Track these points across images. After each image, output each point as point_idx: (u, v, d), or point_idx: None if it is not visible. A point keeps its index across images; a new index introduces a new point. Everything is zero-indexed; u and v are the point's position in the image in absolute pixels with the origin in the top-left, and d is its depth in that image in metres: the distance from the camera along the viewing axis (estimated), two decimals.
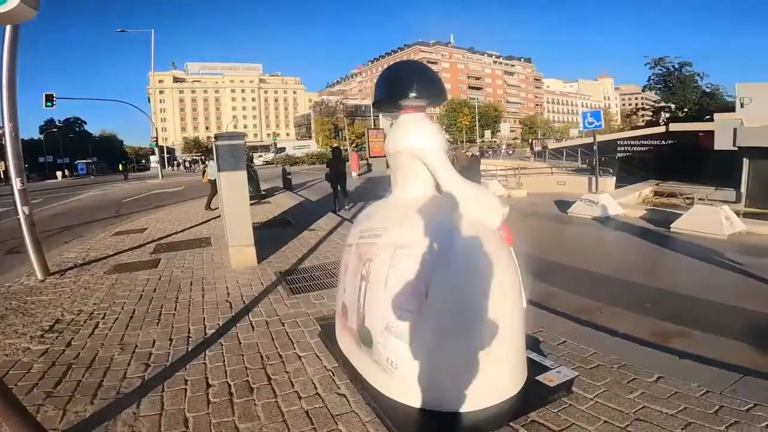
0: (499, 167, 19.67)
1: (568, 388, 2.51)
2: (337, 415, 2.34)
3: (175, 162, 53.91)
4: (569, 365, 2.80)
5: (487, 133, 57.88)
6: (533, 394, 2.36)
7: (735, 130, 11.93)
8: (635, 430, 2.19)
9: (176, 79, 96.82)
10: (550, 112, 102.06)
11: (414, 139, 2.47)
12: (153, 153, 49.98)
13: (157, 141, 32.03)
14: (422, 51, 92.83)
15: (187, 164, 50.03)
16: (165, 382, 2.75)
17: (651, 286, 5.39)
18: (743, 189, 12.83)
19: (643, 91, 42.93)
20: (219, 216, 10.11)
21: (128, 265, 5.95)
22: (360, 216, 2.85)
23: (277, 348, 3.20)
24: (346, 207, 11.19)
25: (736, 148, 12.27)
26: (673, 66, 32.38)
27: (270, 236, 7.35)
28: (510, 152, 38.37)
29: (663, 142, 21.54)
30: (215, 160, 6.54)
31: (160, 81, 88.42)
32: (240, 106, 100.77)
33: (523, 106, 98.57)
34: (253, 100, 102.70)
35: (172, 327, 3.68)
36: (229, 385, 2.69)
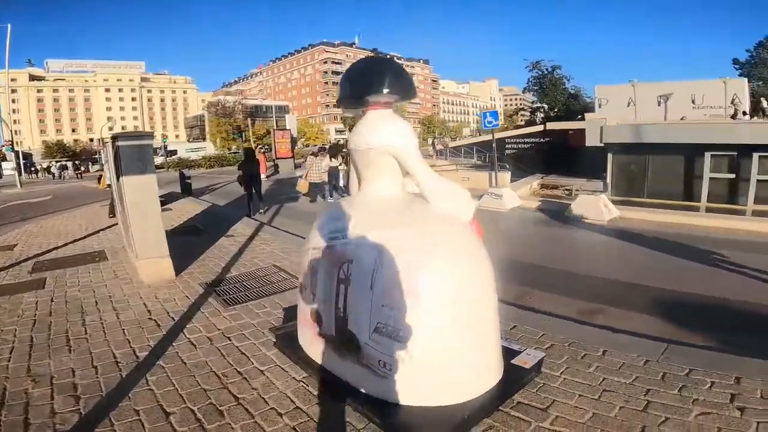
0: None
1: (539, 369, 2.65)
2: (329, 427, 2.15)
3: (33, 168, 45.87)
4: (531, 347, 2.95)
5: None
6: (512, 378, 2.45)
7: (602, 128, 13.89)
8: (608, 399, 2.39)
9: (33, 78, 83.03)
10: (446, 112, 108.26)
11: (388, 136, 2.40)
12: (4, 159, 42.06)
13: (12, 145, 26.96)
14: (327, 51, 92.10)
15: (54, 170, 42.95)
16: (110, 415, 2.31)
17: (561, 270, 5.99)
18: (609, 180, 15.02)
19: (523, 92, 47.85)
20: (111, 226, 8.88)
21: (4, 288, 4.87)
22: (323, 217, 2.67)
23: (232, 364, 2.87)
24: (262, 210, 10.59)
25: (603, 145, 14.30)
26: (547, 69, 36.72)
27: (181, 246, 6.60)
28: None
29: (541, 140, 24.34)
30: (113, 163, 5.67)
31: (13, 80, 74.80)
32: (117, 106, 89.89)
33: (422, 107, 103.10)
34: (134, 100, 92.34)
35: (91, 353, 3.11)
36: (193, 411, 2.35)
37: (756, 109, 20.59)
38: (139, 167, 4.96)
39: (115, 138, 5.19)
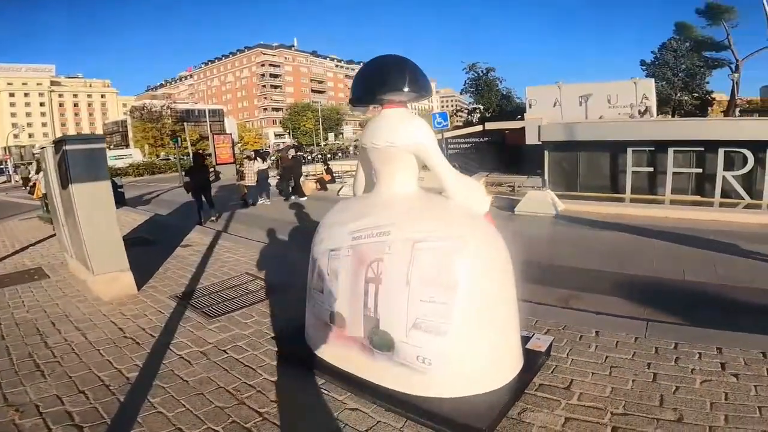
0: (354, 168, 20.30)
1: (549, 352, 2.76)
2: (367, 431, 2.08)
3: None
4: (537, 333, 3.07)
5: (331, 136, 59.07)
6: (530, 362, 2.54)
7: (539, 127, 14.84)
8: (619, 374, 2.56)
9: None
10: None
11: (412, 134, 2.41)
12: None
13: None
14: (264, 54, 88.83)
15: None
16: None
17: (531, 261, 6.28)
18: (546, 176, 16.06)
19: (461, 93, 49.41)
20: (40, 241, 7.96)
21: None
22: (336, 218, 2.59)
23: (239, 378, 2.69)
24: (213, 218, 10.01)
25: (541, 143, 15.27)
26: (482, 71, 38.42)
27: (133, 258, 6.00)
28: (357, 153, 39.96)
29: (481, 139, 25.45)
30: (55, 170, 5.08)
31: None
32: (23, 112, 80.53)
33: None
34: (42, 105, 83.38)
35: (70, 377, 2.78)
36: None
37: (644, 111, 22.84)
38: (92, 173, 4.49)
39: (60, 142, 4.65)
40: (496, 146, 24.07)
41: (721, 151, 12.41)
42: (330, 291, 2.43)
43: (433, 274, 2.10)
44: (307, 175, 19.08)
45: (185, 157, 30.90)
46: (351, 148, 46.69)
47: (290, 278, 4.84)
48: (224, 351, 3.09)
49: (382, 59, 2.55)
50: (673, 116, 32.27)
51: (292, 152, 16.24)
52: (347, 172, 19.15)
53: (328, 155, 32.20)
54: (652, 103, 25.27)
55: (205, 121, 63.54)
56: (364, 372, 2.32)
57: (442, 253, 2.11)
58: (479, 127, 25.06)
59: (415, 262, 2.12)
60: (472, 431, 1.96)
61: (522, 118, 23.99)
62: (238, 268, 5.38)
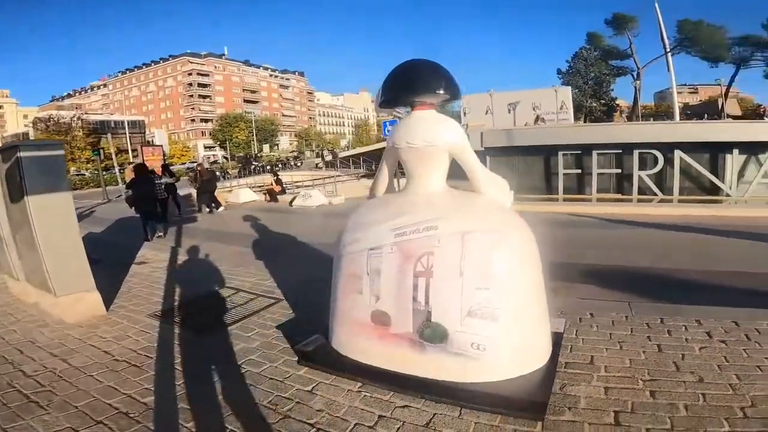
0: (307, 178, 20.02)
1: (562, 333, 2.96)
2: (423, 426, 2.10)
3: None
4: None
5: (266, 148, 57.37)
6: (554, 342, 2.69)
7: (481, 134, 15.66)
8: (629, 348, 2.83)
9: None
10: (322, 124, 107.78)
11: (452, 134, 2.54)
12: None
13: None
14: (191, 62, 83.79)
15: None
16: None
17: None
18: None
19: None
20: None
21: None
22: (369, 217, 2.60)
23: (271, 391, 2.56)
24: (161, 234, 9.32)
25: (483, 149, 16.12)
26: None
27: None
28: (299, 164, 39.19)
29: None
30: (4, 180, 4.47)
31: None
32: None
33: (299, 119, 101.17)
34: None
35: (75, 406, 2.48)
36: None
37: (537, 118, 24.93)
38: (51, 184, 4.04)
39: (12, 148, 4.13)
40: None
41: (636, 153, 13.87)
42: (371, 290, 2.43)
43: (485, 263, 2.21)
44: (251, 187, 18.47)
45: (113, 170, 28.49)
46: (291, 159, 45.76)
47: (276, 289, 4.69)
48: (239, 366, 2.93)
49: (416, 62, 2.63)
50: (584, 122, 35.20)
51: (206, 166, 16.23)
52: (297, 182, 18.79)
53: (278, 166, 31.46)
54: (569, 109, 27.69)
55: (124, 133, 59.08)
56: (411, 368, 2.34)
57: (490, 243, 2.23)
58: None
59: (467, 252, 2.21)
60: (535, 407, 2.07)
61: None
62: (213, 283, 5.10)
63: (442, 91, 2.52)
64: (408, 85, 2.56)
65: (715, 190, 13.15)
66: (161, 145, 26.50)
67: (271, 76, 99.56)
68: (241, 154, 54.50)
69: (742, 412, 2.03)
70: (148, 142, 51.21)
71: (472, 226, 2.27)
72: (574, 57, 41.18)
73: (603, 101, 40.18)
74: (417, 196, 2.57)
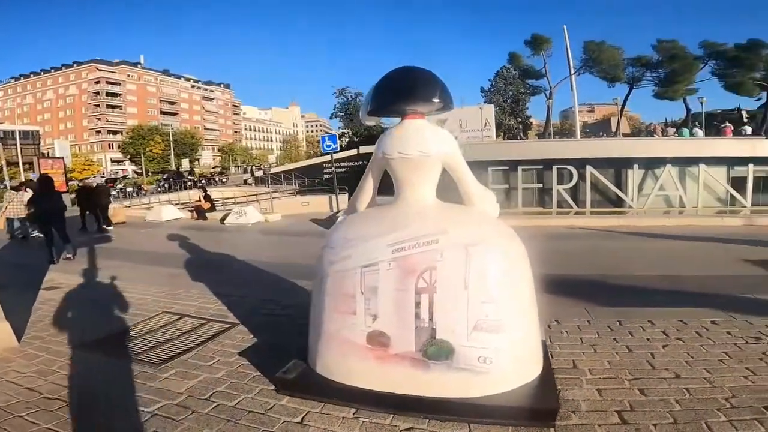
0: (239, 194, 19.00)
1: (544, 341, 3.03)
2: None
3: None
4: None
5: (185, 162, 53.69)
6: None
7: None
8: (603, 351, 3.02)
9: None
10: (248, 138, 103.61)
11: (447, 145, 2.49)
12: None
13: None
14: (100, 69, 75.83)
15: None
16: None
17: None
18: None
19: (330, 118, 49.82)
20: None
21: None
22: (359, 232, 2.46)
23: (256, 426, 2.29)
24: (70, 255, 8.16)
25: None
26: (352, 96, 39.49)
27: None
28: (224, 180, 36.97)
29: (356, 163, 26.40)
30: None
31: None
32: None
33: (223, 133, 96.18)
34: None
35: None
36: None
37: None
38: None
39: None
40: None
41: (554, 168, 15.12)
42: (367, 310, 2.29)
43: (489, 275, 2.19)
44: (176, 204, 17.15)
45: (2, 184, 24.79)
46: (216, 175, 43.22)
47: (227, 313, 4.31)
48: (208, 400, 2.59)
49: (409, 70, 2.56)
50: (504, 139, 37.59)
51: (97, 181, 15.02)
52: (229, 199, 17.76)
53: (205, 182, 29.54)
54: (492, 126, 29.54)
55: (14, 144, 52.06)
56: (413, 388, 2.23)
57: (494, 255, 2.22)
58: (353, 151, 25.90)
59: (471, 265, 2.17)
60: (548, 413, 2.09)
61: None
62: (149, 308, 4.56)
63: (437, 100, 2.47)
64: (402, 92, 2.49)
65: (620, 202, 14.75)
66: (62, 158, 23.66)
67: (193, 87, 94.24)
68: (164, 169, 50.50)
69: (728, 402, 2.22)
70: (44, 154, 45.67)
71: (474, 238, 2.25)
72: (496, 76, 43.76)
73: (519, 119, 43.21)
74: (411, 208, 2.49)
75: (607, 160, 14.63)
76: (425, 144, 2.44)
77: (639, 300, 4.56)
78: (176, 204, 17.19)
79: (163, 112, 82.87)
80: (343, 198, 15.60)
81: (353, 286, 2.34)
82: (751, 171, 13.76)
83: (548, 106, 38.95)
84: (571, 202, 14.97)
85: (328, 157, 28.70)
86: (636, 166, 14.63)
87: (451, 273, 2.18)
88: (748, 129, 24.85)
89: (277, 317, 4.20)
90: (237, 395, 2.64)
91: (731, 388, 2.36)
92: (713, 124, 31.91)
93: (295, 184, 26.63)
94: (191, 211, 15.76)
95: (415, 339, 2.21)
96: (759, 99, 37.77)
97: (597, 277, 5.72)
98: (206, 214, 15.18)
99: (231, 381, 2.83)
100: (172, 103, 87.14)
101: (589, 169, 14.43)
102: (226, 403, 2.54)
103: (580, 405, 2.25)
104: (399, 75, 2.56)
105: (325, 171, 27.03)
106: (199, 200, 16.10)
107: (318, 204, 15.63)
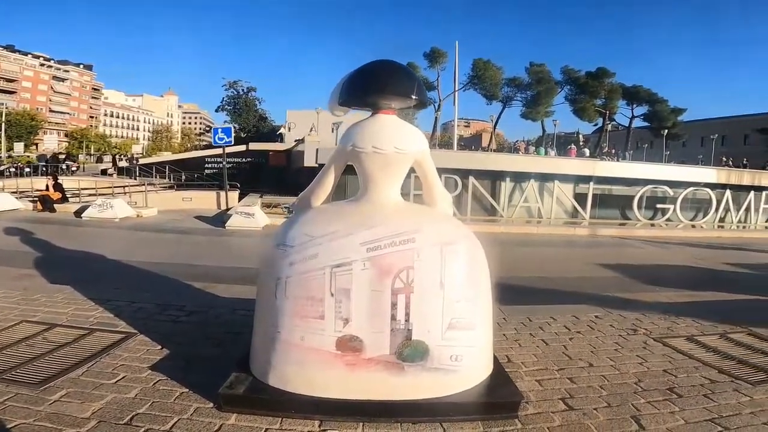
0: (102, 185, 16.21)
1: None
2: None
3: None
4: None
5: (18, 146, 44.10)
6: None
7: (317, 150, 15.91)
8: (526, 344, 3.34)
9: None
10: (108, 125, 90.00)
11: (420, 142, 2.47)
12: None
13: None
14: None
15: None
16: None
17: None
18: None
19: (216, 111, 46.21)
20: None
21: None
22: (326, 229, 2.29)
23: None
24: None
25: (317, 165, 16.37)
26: (243, 90, 37.17)
27: None
28: (73, 169, 30.93)
29: (244, 160, 24.93)
30: None
31: None
32: None
33: (74, 117, 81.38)
34: None
35: None
36: None
37: None
38: None
39: None
40: (259, 167, 24.02)
41: (443, 177, 16.33)
42: (337, 314, 2.15)
43: (461, 274, 2.25)
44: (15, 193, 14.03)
45: None
46: (66, 164, 36.19)
47: (117, 320, 3.66)
48: (131, 425, 2.15)
49: (387, 63, 2.48)
50: None
51: None
52: (86, 189, 15.08)
53: (61, 167, 24.45)
54: None
55: None
56: (385, 393, 2.17)
57: (464, 253, 2.29)
58: (242, 147, 24.39)
59: (446, 265, 2.20)
60: (512, 405, 2.25)
61: (281, 140, 24.73)
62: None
63: (414, 96, 2.43)
64: (379, 86, 2.41)
65: (494, 211, 16.58)
66: None
67: (42, 65, 79.13)
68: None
69: (639, 386, 2.64)
70: None
71: (448, 238, 2.28)
72: None
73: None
74: (380, 206, 2.42)
75: (486, 173, 16.33)
76: (402, 140, 2.41)
77: (532, 298, 5.15)
78: (13, 193, 14.00)
79: None
80: (233, 195, 14.54)
81: (321, 288, 2.18)
82: (591, 188, 16.72)
83: (436, 117, 41.90)
84: (455, 210, 16.34)
85: (210, 151, 26.54)
86: (508, 179, 16.61)
87: (427, 272, 2.19)
88: (587, 151, 30.19)
89: (183, 324, 3.71)
90: (168, 417, 2.24)
91: (635, 373, 2.83)
92: (560, 144, 37.96)
93: (170, 178, 23.89)
94: (35, 202, 13.03)
95: (390, 341, 2.15)
96: (596, 124, 46.15)
97: (493, 279, 6.33)
98: (54, 205, 12.69)
99: (153, 400, 2.39)
100: (11, 81, 72.65)
101: (471, 179, 15.91)
102: (157, 428, 2.14)
103: (529, 396, 2.45)
104: (377, 68, 2.49)
105: (207, 165, 24.92)
106: (47, 189, 13.40)
107: (202, 200, 14.27)
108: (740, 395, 2.55)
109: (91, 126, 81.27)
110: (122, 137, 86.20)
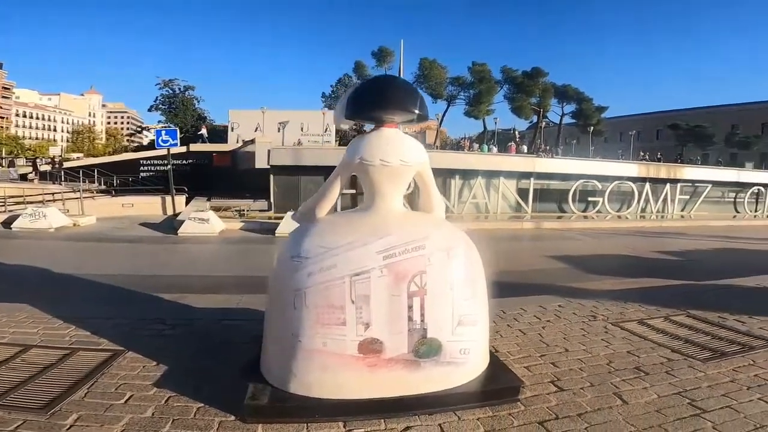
0: (30, 192, 14.68)
1: None
2: None
3: None
4: None
5: None
6: None
7: (269, 152, 15.57)
8: (506, 335, 3.67)
9: None
10: (21, 126, 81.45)
11: (423, 154, 2.67)
12: None
13: None
14: None
15: None
16: None
17: None
18: (272, 199, 16.97)
19: (149, 110, 43.34)
20: None
21: None
22: (340, 240, 2.43)
23: None
24: None
25: (269, 166, 16.05)
26: (180, 88, 35.13)
27: None
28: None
29: (184, 162, 23.78)
30: None
31: None
32: None
33: None
34: None
35: None
36: None
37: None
38: None
39: None
40: (202, 168, 23.06)
41: None
42: (358, 319, 2.32)
43: (465, 275, 2.51)
44: None
45: None
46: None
47: (97, 338, 3.53)
48: None
49: (391, 78, 2.67)
50: (339, 145, 39.34)
51: None
52: (13, 198, 13.67)
53: None
54: (332, 132, 30.47)
55: None
56: (403, 389, 2.37)
57: (466, 256, 2.55)
58: (182, 149, 23.18)
59: (453, 267, 2.46)
60: (514, 390, 2.56)
61: (203, 141, 23.94)
62: None
63: (417, 111, 2.60)
64: (384, 101, 2.57)
65: (446, 208, 17.27)
66: None
67: None
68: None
69: (611, 366, 3.05)
70: None
71: (451, 243, 2.53)
72: (338, 82, 45.35)
73: (355, 126, 45.74)
74: (389, 215, 2.60)
75: (437, 171, 16.90)
76: (407, 153, 2.60)
77: (499, 291, 5.55)
78: None
79: None
80: (180, 200, 13.89)
81: (341, 297, 2.34)
82: (532, 184, 17.90)
83: None
84: (407, 206, 16.76)
85: (145, 153, 24.97)
86: (457, 176, 17.34)
87: (438, 275, 2.42)
88: (525, 148, 32.03)
89: (170, 338, 3.66)
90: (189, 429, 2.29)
91: (605, 355, 3.25)
92: (501, 141, 39.87)
93: (99, 183, 22.16)
94: None
95: (407, 341, 2.36)
96: (531, 122, 48.89)
97: None
98: None
99: (173, 418, 2.41)
100: None
101: None
102: None
103: (524, 381, 2.77)
104: (382, 84, 2.68)
105: (142, 168, 23.49)
106: None
107: (144, 206, 13.49)
108: (696, 371, 3.01)
109: (1, 127, 73.20)
110: (37, 139, 78.49)
